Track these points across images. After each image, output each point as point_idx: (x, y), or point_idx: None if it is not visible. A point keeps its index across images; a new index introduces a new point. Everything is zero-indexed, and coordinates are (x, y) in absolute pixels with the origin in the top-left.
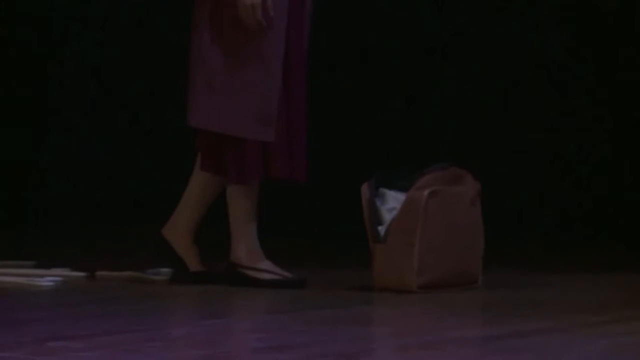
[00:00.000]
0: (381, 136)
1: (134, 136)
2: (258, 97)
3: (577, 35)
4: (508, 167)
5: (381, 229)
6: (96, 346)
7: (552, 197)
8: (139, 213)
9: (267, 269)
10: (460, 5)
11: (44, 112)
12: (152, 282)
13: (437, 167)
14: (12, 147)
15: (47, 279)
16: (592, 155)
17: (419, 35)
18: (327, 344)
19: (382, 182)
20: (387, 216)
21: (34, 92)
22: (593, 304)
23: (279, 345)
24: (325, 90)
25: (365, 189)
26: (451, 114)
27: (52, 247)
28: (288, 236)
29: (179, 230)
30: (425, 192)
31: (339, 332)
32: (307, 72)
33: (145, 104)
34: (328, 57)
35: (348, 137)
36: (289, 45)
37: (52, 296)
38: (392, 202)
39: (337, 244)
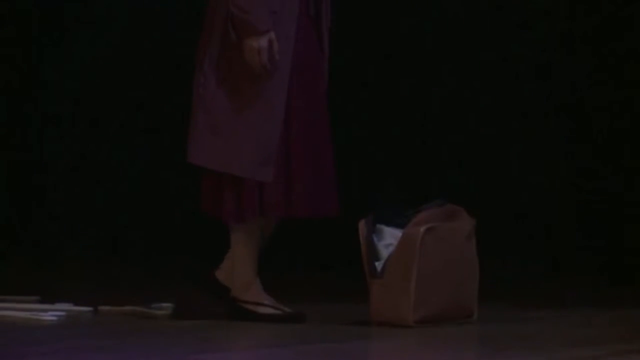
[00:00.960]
0: (377, 169)
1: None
2: (258, 139)
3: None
4: (503, 202)
5: (378, 265)
6: None
7: (544, 235)
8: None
9: (267, 304)
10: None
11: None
12: (154, 316)
13: (433, 204)
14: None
15: (51, 313)
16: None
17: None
18: None
19: (380, 219)
20: (384, 252)
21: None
22: (587, 339)
23: None
24: None
25: (362, 226)
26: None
27: (55, 280)
28: (285, 268)
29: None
30: (422, 229)
31: None
32: (327, 112)
33: (148, 141)
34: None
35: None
36: (304, 86)
37: (55, 330)
38: (389, 238)
39: (335, 276)
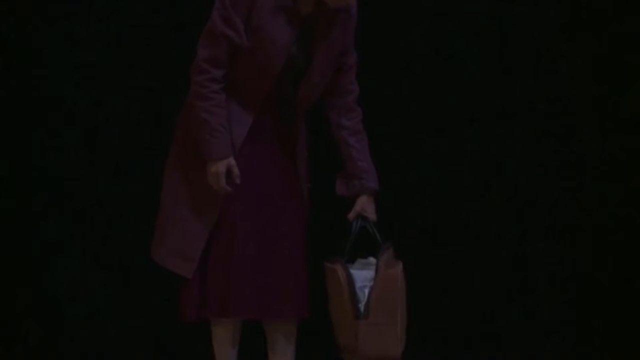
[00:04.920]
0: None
1: None
2: (182, 237)
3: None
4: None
5: (361, 306)
6: None
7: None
8: None
9: None
10: None
11: None
12: None
13: (385, 246)
14: None
15: None
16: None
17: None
18: None
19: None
20: (360, 293)
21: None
22: None
23: None
24: None
25: (340, 270)
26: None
27: None
28: None
29: None
30: (399, 270)
31: None
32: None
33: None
34: None
35: None
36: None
37: None
38: (360, 280)
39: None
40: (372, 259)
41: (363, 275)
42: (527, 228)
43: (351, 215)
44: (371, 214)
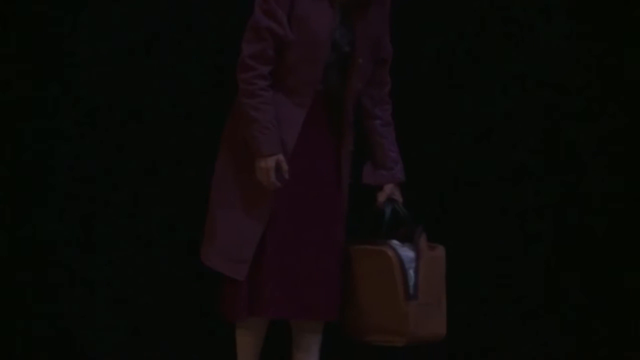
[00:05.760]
0: None
1: None
2: (233, 240)
3: None
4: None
5: (410, 287)
6: None
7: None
8: None
9: None
10: None
11: None
12: None
13: (420, 229)
14: None
15: None
16: None
17: None
18: None
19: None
20: (408, 275)
21: None
22: None
23: None
24: None
25: (390, 251)
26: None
27: None
28: None
29: None
30: (443, 251)
31: None
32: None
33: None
34: None
35: None
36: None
37: None
38: (407, 262)
39: None
40: (395, 242)
41: (407, 256)
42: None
43: (381, 199)
44: (399, 197)
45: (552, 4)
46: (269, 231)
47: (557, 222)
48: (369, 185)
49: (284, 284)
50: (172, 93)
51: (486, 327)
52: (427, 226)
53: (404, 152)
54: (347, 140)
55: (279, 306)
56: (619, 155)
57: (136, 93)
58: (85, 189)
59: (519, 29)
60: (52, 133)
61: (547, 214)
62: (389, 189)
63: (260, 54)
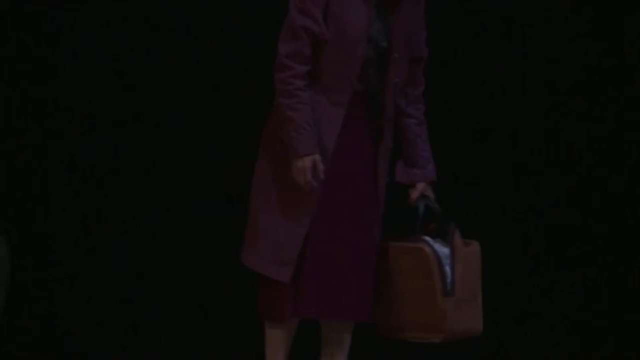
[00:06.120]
0: None
1: None
2: (277, 242)
3: None
4: None
5: (447, 283)
6: None
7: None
8: None
9: None
10: None
11: None
12: None
13: (453, 225)
14: None
15: None
16: None
17: None
18: None
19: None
20: (445, 271)
21: None
22: None
23: None
24: None
25: (427, 248)
26: None
27: None
28: None
29: None
30: (479, 247)
31: None
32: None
33: None
34: None
35: None
36: (354, 187)
37: None
38: (443, 258)
39: None
40: (427, 238)
41: (443, 252)
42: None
43: (414, 196)
44: (432, 194)
45: (553, 4)
46: (309, 232)
47: (557, 222)
48: (401, 183)
49: (323, 285)
50: (172, 92)
51: (486, 327)
52: None
53: None
54: (386, 137)
55: (319, 307)
56: (619, 155)
57: (137, 92)
58: (85, 187)
59: (519, 29)
60: (53, 132)
61: (547, 214)
62: (421, 186)
63: (296, 53)
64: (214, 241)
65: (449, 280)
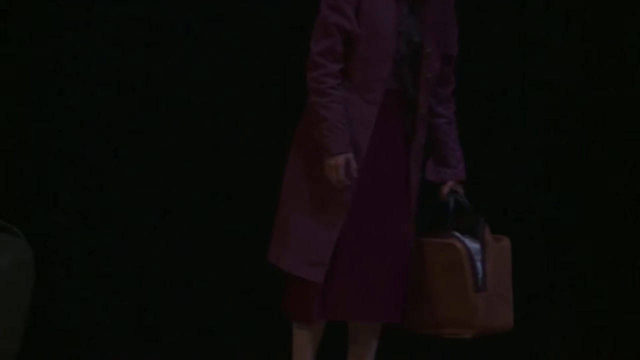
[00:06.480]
0: None
1: None
2: (310, 243)
3: None
4: None
5: (479, 279)
6: None
7: None
8: None
9: None
10: None
11: None
12: None
13: (483, 220)
14: None
15: None
16: None
17: None
18: None
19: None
20: (476, 266)
21: None
22: None
23: None
24: None
25: (459, 243)
26: None
27: None
28: None
29: None
30: (509, 242)
31: None
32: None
33: None
34: None
35: None
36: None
37: None
38: (474, 253)
39: None
40: (457, 233)
41: (474, 247)
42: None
43: (444, 191)
44: (461, 190)
45: (553, 4)
46: (341, 232)
47: (557, 222)
48: (430, 181)
49: (354, 286)
50: (172, 92)
51: None
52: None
53: None
54: (418, 134)
55: (349, 308)
56: (619, 155)
57: (137, 93)
58: (85, 187)
59: (519, 29)
60: (53, 132)
61: (547, 214)
62: (451, 182)
63: (329, 51)
64: (213, 241)
65: (480, 275)
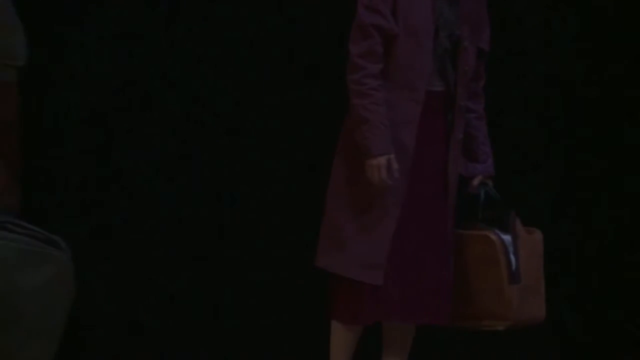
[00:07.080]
0: None
1: None
2: (365, 246)
3: None
4: None
5: (513, 271)
6: None
7: None
8: None
9: None
10: None
11: None
12: None
13: (513, 212)
14: None
15: None
16: None
17: None
18: None
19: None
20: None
21: None
22: None
23: None
24: None
25: (494, 236)
26: None
27: None
28: None
29: None
30: (541, 234)
31: None
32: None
33: None
34: None
35: None
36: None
37: None
38: (507, 245)
39: None
40: (482, 225)
41: (507, 239)
42: None
43: (475, 184)
44: (491, 183)
45: (553, 4)
46: (394, 233)
47: (557, 222)
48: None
49: (405, 288)
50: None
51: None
52: None
53: None
54: (456, 128)
55: (402, 310)
56: (619, 155)
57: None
58: (86, 187)
59: (519, 28)
60: (54, 132)
61: (547, 215)
62: (480, 177)
63: (368, 52)
64: (214, 241)
65: (513, 267)
